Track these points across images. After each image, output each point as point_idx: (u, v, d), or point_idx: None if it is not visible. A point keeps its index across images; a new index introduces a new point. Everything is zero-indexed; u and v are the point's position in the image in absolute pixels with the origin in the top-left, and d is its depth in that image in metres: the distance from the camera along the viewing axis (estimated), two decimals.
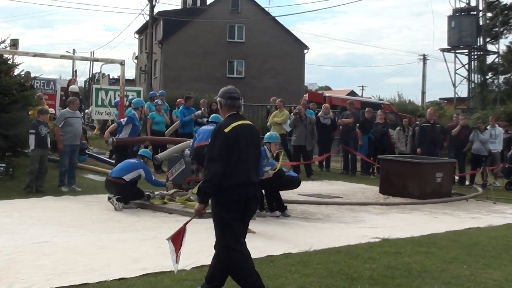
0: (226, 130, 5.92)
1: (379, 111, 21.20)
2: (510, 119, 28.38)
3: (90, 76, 58.74)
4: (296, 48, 51.94)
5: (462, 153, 19.18)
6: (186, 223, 6.34)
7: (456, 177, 18.18)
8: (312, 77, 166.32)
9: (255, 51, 50.27)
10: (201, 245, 8.40)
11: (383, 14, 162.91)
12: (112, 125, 17.77)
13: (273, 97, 21.99)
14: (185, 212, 10.96)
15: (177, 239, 6.23)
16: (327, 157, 20.55)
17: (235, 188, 5.92)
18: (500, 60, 46.89)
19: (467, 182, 18.82)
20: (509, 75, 53.89)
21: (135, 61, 54.31)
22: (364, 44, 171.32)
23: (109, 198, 11.58)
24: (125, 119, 14.15)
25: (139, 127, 14.42)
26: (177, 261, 6.19)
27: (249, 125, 6.17)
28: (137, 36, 56.70)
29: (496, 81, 46.96)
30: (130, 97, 17.81)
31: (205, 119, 18.98)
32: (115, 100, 17.70)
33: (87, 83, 47.58)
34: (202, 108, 18.76)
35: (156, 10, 43.75)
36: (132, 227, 9.75)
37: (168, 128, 18.37)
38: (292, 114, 18.73)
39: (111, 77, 33.77)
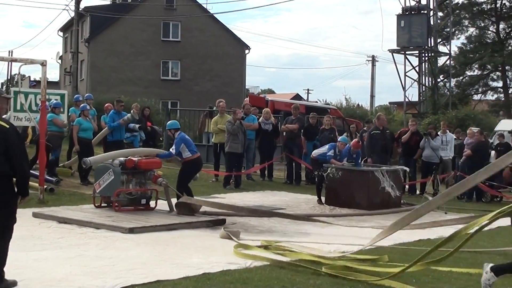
0: None
1: (325, 116, 21.36)
2: (462, 124, 29.13)
3: (8, 78, 57.65)
4: (236, 48, 52.01)
5: (413, 161, 19.56)
6: None
7: (406, 186, 18.49)
8: (254, 80, 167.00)
9: (192, 51, 50.12)
10: (132, 263, 8.35)
11: (329, 12, 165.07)
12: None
13: (218, 99, 21.91)
14: (114, 227, 10.86)
15: None
16: (269, 165, 20.63)
17: None
18: (452, 62, 47.88)
19: (417, 192, 19.16)
20: (461, 78, 55.17)
21: (59, 61, 53.53)
22: (309, 44, 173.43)
23: None
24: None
25: None
26: None
27: None
28: (61, 34, 55.88)
29: (447, 85, 47.95)
30: (52, 101, 17.54)
31: (137, 125, 18.87)
32: (54, 102, 17.40)
33: (4, 86, 46.68)
34: (132, 111, 18.55)
35: (82, 6, 43.30)
36: (55, 244, 9.59)
37: (96, 135, 18.17)
38: (230, 119, 18.66)
39: (32, 79, 33.14)
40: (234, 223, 12.30)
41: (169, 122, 14.15)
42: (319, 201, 15.79)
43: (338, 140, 16.54)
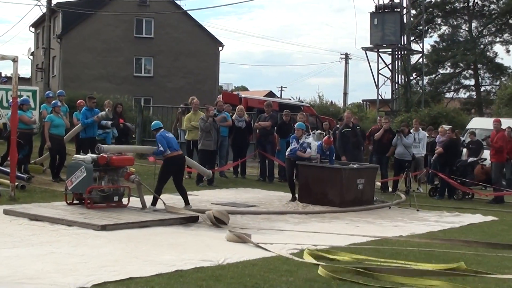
0: None
1: (298, 113, 21.40)
2: (435, 122, 29.36)
3: None
4: (210, 45, 51.95)
5: (385, 158, 19.68)
6: None
7: (378, 183, 18.62)
8: (228, 77, 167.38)
9: (165, 48, 50.00)
10: (104, 260, 8.33)
11: (302, 10, 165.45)
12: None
13: (191, 96, 21.90)
14: (86, 224, 10.82)
15: None
16: (243, 162, 20.67)
17: None
18: (424, 60, 48.25)
19: (390, 189, 19.30)
20: (433, 76, 55.59)
21: (31, 57, 53.17)
22: (282, 42, 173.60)
23: None
24: None
25: None
26: None
27: None
28: (33, 29, 55.51)
29: (420, 82, 48.29)
30: (23, 97, 17.40)
31: (109, 122, 18.78)
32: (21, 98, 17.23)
33: None
34: (107, 109, 18.51)
35: (54, 1, 43.03)
36: (26, 242, 9.51)
37: (68, 132, 18.05)
38: (203, 116, 18.64)
39: (3, 75, 32.88)
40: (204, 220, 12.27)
41: (152, 123, 14.09)
42: (294, 198, 15.78)
43: (295, 126, 16.45)
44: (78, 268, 7.79)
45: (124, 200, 13.09)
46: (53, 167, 17.00)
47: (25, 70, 61.86)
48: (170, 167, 13.24)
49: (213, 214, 11.65)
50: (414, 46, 46.90)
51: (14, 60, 14.43)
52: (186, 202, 13.22)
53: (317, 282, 7.56)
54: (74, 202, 12.87)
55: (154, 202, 12.94)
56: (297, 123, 16.75)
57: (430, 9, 53.54)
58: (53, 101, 17.97)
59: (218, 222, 11.56)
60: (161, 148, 13.01)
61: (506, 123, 19.83)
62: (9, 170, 14.46)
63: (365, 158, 20.35)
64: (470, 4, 54.73)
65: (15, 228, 10.60)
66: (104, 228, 10.61)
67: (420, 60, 46.82)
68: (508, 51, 54.58)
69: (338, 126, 20.67)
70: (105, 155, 12.80)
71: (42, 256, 8.46)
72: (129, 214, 12.02)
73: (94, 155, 12.87)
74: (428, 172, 19.77)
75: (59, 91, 21.93)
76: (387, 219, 13.79)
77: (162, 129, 13.42)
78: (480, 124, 25.47)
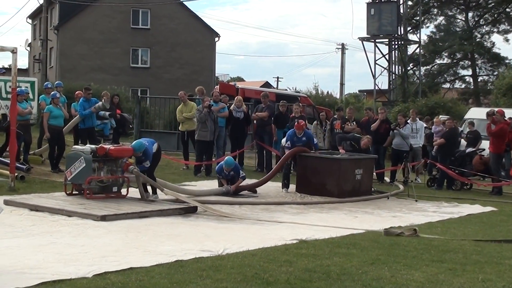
0: None
1: (295, 104, 21.43)
2: (432, 112, 29.44)
3: None
4: (206, 36, 51.91)
5: (382, 148, 19.60)
6: None
7: (374, 174, 18.63)
8: (224, 68, 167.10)
9: (161, 38, 49.96)
10: (104, 250, 8.36)
11: (298, 0, 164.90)
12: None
13: (187, 88, 22.07)
14: (86, 214, 10.85)
15: None
16: (240, 153, 20.66)
17: None
18: (421, 51, 48.28)
19: (387, 179, 19.30)
20: (430, 66, 55.65)
21: (28, 48, 53.06)
22: (278, 32, 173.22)
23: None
24: None
25: None
26: None
27: None
28: (30, 21, 55.38)
29: (417, 73, 48.37)
30: (22, 88, 17.42)
31: (107, 113, 18.79)
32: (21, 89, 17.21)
33: None
34: (103, 99, 18.48)
35: None
36: (27, 232, 9.55)
37: (67, 123, 18.04)
38: (199, 107, 18.69)
39: (0, 66, 32.92)
40: (206, 211, 12.33)
41: (134, 144, 13.78)
42: (286, 190, 15.84)
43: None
44: (79, 258, 7.82)
45: (123, 191, 13.13)
46: (52, 158, 17.01)
47: (22, 62, 61.73)
48: (158, 158, 13.63)
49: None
50: (411, 37, 47.04)
51: (13, 51, 14.43)
52: (154, 191, 13.28)
53: (317, 272, 7.59)
54: (74, 192, 12.92)
55: (154, 191, 13.04)
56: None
57: (426, 0, 53.54)
58: (52, 92, 17.97)
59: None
60: (147, 164, 13.07)
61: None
62: (8, 161, 14.46)
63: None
64: None
65: (16, 219, 10.63)
66: (103, 218, 10.64)
67: (417, 50, 46.86)
68: (507, 40, 54.67)
69: (335, 116, 20.67)
70: (104, 146, 12.85)
71: (43, 246, 8.50)
72: (128, 205, 12.05)
73: (93, 146, 12.91)
74: (426, 163, 19.80)
75: (57, 82, 21.90)
76: (386, 210, 13.83)
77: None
78: (478, 114, 25.46)
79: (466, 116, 25.86)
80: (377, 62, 43.36)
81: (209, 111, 18.38)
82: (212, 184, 16.56)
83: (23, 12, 68.79)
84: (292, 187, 15.95)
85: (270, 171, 16.93)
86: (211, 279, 7.10)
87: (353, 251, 8.93)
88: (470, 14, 55.25)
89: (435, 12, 56.40)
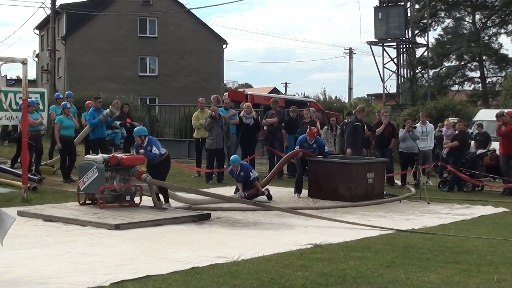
0: None
1: (305, 109, 21.45)
2: (441, 115, 29.38)
3: None
4: (213, 43, 51.98)
5: (388, 151, 19.47)
6: None
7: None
8: (231, 74, 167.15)
9: (169, 47, 50.07)
10: (120, 259, 8.40)
11: (304, 5, 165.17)
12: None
13: (198, 95, 22.05)
14: (100, 224, 10.90)
15: None
16: (251, 159, 20.67)
17: None
18: (429, 54, 48.22)
19: (398, 182, 19.27)
20: (438, 69, 55.56)
21: (36, 59, 53.23)
22: (285, 38, 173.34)
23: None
24: None
25: None
26: None
27: None
28: (37, 32, 55.58)
29: (426, 76, 48.27)
30: (33, 99, 17.49)
31: (118, 122, 18.85)
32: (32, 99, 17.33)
33: None
34: (110, 106, 18.36)
35: (58, 3, 43.11)
36: (42, 243, 9.61)
37: (78, 133, 18.09)
38: (207, 116, 18.73)
39: (8, 77, 32.99)
40: (219, 218, 12.37)
41: (136, 129, 14.07)
42: (298, 195, 15.92)
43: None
44: (95, 268, 7.87)
45: (136, 199, 13.18)
46: (63, 168, 17.07)
47: (30, 72, 61.89)
48: (168, 165, 13.60)
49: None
50: (419, 40, 46.93)
51: (24, 62, 14.53)
52: (166, 200, 13.33)
53: (333, 276, 7.62)
54: (87, 202, 12.97)
55: (167, 199, 13.09)
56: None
57: (433, 2, 53.46)
58: (63, 103, 18.02)
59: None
60: (157, 151, 13.08)
61: None
62: (21, 172, 14.53)
63: (371, 152, 20.31)
64: None
65: (30, 229, 10.68)
66: (118, 227, 10.69)
67: (425, 53, 46.81)
68: None
69: (345, 121, 20.67)
70: (117, 155, 12.92)
71: (59, 256, 8.55)
72: (141, 213, 12.10)
73: (106, 155, 12.97)
74: (436, 165, 19.76)
75: (67, 92, 22.01)
76: (398, 213, 13.83)
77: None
78: (487, 115, 25.37)
79: (475, 118, 25.79)
80: (385, 65, 43.37)
81: (216, 119, 18.36)
82: (224, 191, 16.58)
83: (29, 23, 69.90)
84: (304, 192, 15.97)
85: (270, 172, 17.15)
86: (228, 285, 7.14)
87: (368, 255, 8.96)
88: (477, 16, 55.17)
89: (442, 15, 56.34)
